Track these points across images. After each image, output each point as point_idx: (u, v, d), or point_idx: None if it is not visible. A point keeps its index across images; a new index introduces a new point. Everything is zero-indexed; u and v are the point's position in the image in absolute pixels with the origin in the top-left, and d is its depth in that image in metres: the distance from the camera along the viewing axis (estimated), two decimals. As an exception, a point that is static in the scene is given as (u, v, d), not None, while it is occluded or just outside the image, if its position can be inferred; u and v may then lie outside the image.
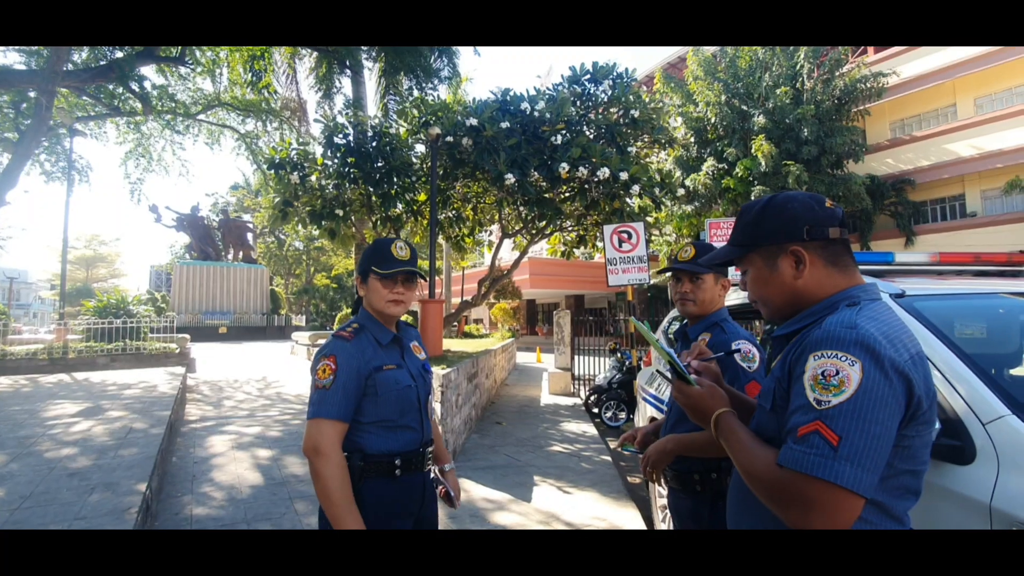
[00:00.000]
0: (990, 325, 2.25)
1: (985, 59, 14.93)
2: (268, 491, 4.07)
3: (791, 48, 15.85)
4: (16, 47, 8.74)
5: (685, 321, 1.91)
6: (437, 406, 5.17)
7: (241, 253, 31.01)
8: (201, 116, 13.34)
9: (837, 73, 15.36)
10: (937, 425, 1.33)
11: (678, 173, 16.22)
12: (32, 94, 7.51)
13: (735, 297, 3.27)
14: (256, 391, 8.90)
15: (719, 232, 7.34)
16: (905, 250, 16.52)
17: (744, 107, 15.73)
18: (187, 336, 11.65)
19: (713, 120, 16.19)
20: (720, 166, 15.69)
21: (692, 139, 16.96)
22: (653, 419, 2.35)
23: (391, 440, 1.51)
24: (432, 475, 1.67)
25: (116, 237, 72.35)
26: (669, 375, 1.21)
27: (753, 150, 14.72)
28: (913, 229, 16.63)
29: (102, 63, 7.87)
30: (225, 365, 12.79)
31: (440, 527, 3.60)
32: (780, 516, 0.88)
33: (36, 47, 8.62)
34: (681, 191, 15.78)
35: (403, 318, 1.67)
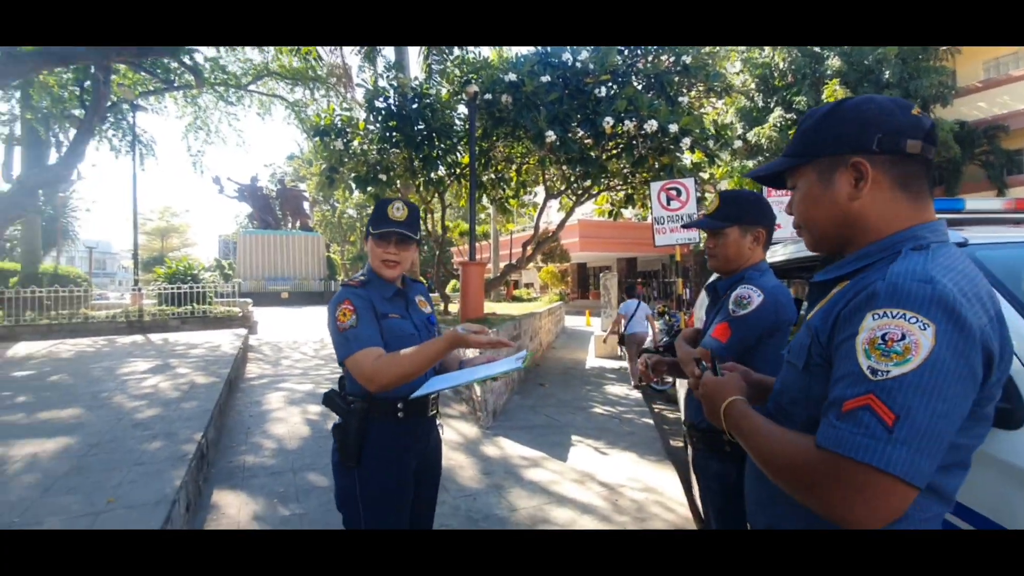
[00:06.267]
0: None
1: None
2: (315, 443, 4.26)
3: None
4: None
5: (716, 276, 1.75)
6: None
7: (299, 222, 32.20)
8: (252, 87, 13.68)
9: (924, 5, 13.70)
10: None
11: (739, 125, 15.21)
12: (92, 70, 7.92)
13: (783, 252, 3.01)
14: (312, 352, 9.32)
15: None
16: (996, 202, 14.97)
17: (816, 49, 14.37)
18: (249, 300, 12.32)
19: (781, 65, 14.93)
20: (788, 116, 14.52)
21: (753, 86, 15.77)
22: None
23: None
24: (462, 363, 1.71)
25: (186, 209, 77.11)
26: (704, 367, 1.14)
27: (825, 96, 13.50)
28: (1006, 180, 14.92)
29: (155, 37, 8.15)
30: (285, 328, 13.47)
31: (470, 476, 3.66)
32: (813, 508, 0.73)
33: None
34: (739, 143, 14.82)
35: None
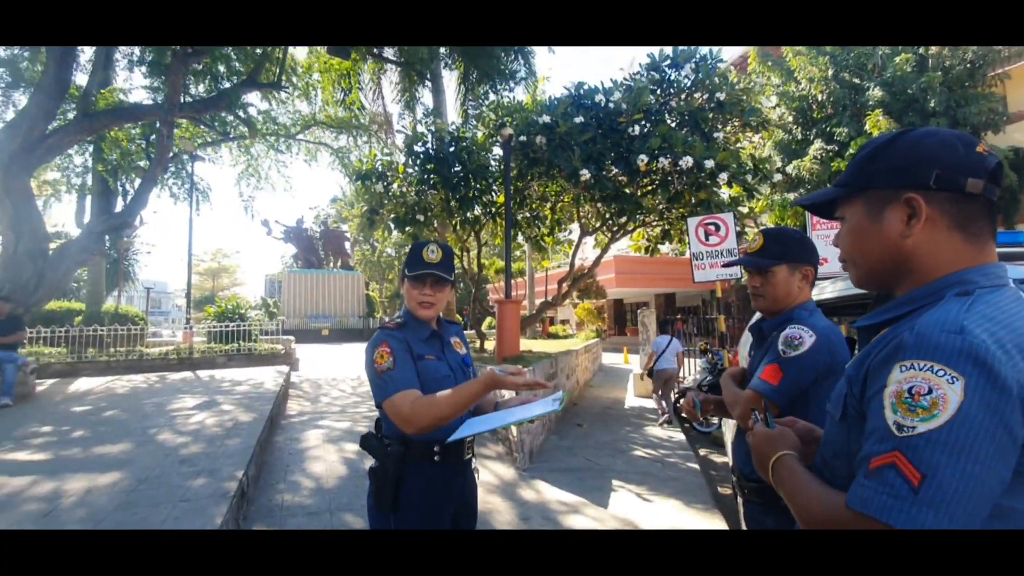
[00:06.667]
0: None
1: None
2: (352, 483, 4.25)
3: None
4: (143, 87, 10.24)
5: (759, 316, 1.69)
6: (513, 406, 5.12)
7: (340, 261, 33.37)
8: (300, 136, 14.55)
9: (969, 33, 13.42)
10: None
11: (778, 159, 15.02)
12: (157, 125, 8.64)
13: (831, 289, 2.90)
14: (350, 389, 9.44)
15: (824, 220, 6.65)
16: (1065, 232, 14.06)
17: (856, 80, 14.21)
18: (292, 338, 12.67)
19: (819, 97, 14.78)
20: (829, 148, 14.25)
21: (791, 119, 15.64)
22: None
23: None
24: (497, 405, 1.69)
25: (236, 250, 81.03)
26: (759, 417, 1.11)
27: (867, 127, 13.23)
28: (1072, 208, 14.05)
29: (213, 94, 8.85)
30: (325, 364, 13.75)
31: (507, 521, 3.55)
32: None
33: (157, 86, 9.99)
34: (779, 176, 14.63)
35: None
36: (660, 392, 7.53)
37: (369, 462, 1.63)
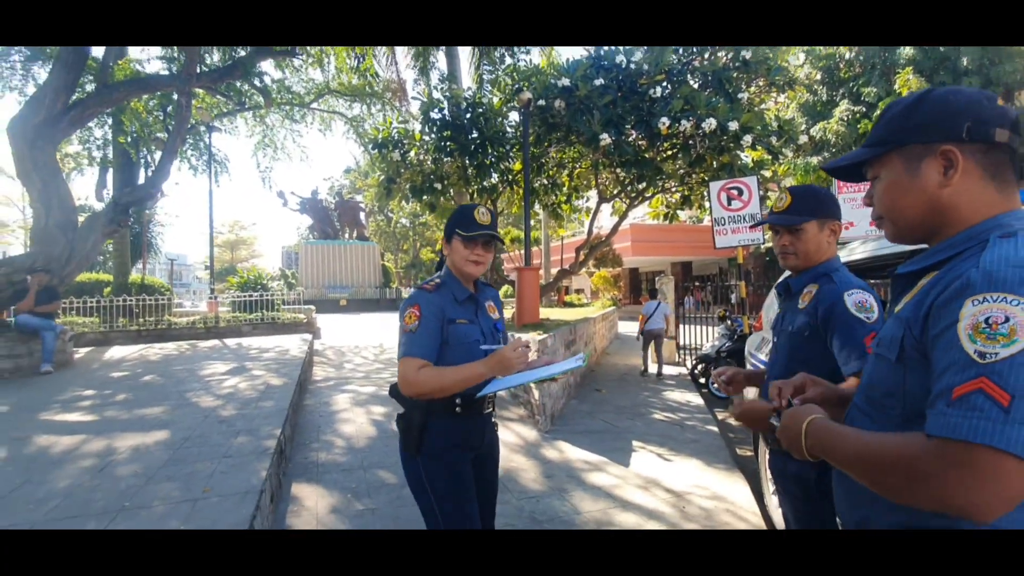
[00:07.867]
0: None
1: None
2: (382, 442, 4.42)
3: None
4: (159, 57, 10.31)
5: (787, 274, 1.71)
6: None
7: (355, 232, 33.47)
8: (314, 104, 14.46)
9: (1007, -16, 12.69)
10: None
11: (802, 121, 14.58)
12: (175, 96, 8.64)
13: (862, 250, 2.88)
14: (372, 356, 9.65)
15: (851, 184, 6.50)
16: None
17: (886, 36, 13.65)
18: (312, 307, 12.91)
19: (847, 55, 14.22)
20: (856, 109, 13.79)
21: (819, 77, 15.09)
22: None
23: None
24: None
25: (253, 222, 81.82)
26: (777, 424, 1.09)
27: (897, 86, 12.75)
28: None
29: (228, 63, 8.80)
30: (345, 333, 14.02)
31: (532, 479, 3.67)
32: (927, 504, 0.72)
33: (174, 56, 10.02)
34: (803, 139, 14.23)
35: (503, 290, 1.75)
36: (654, 349, 8.58)
37: (399, 413, 1.73)
